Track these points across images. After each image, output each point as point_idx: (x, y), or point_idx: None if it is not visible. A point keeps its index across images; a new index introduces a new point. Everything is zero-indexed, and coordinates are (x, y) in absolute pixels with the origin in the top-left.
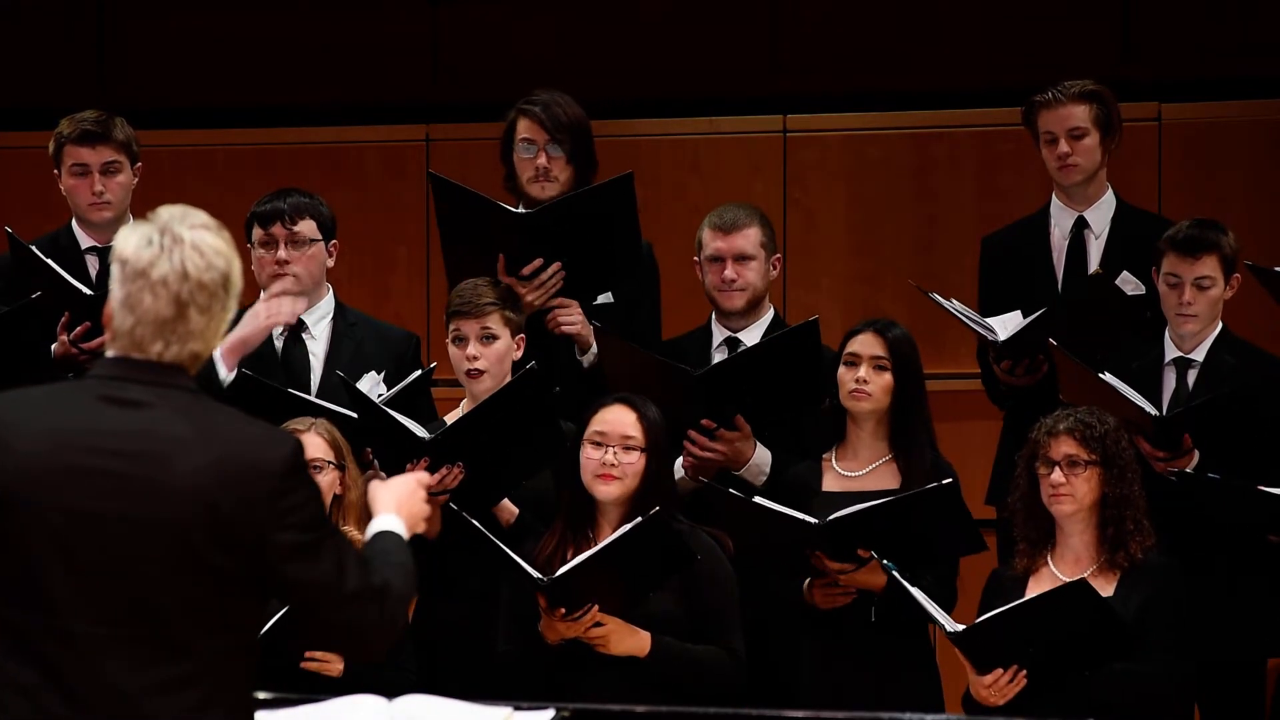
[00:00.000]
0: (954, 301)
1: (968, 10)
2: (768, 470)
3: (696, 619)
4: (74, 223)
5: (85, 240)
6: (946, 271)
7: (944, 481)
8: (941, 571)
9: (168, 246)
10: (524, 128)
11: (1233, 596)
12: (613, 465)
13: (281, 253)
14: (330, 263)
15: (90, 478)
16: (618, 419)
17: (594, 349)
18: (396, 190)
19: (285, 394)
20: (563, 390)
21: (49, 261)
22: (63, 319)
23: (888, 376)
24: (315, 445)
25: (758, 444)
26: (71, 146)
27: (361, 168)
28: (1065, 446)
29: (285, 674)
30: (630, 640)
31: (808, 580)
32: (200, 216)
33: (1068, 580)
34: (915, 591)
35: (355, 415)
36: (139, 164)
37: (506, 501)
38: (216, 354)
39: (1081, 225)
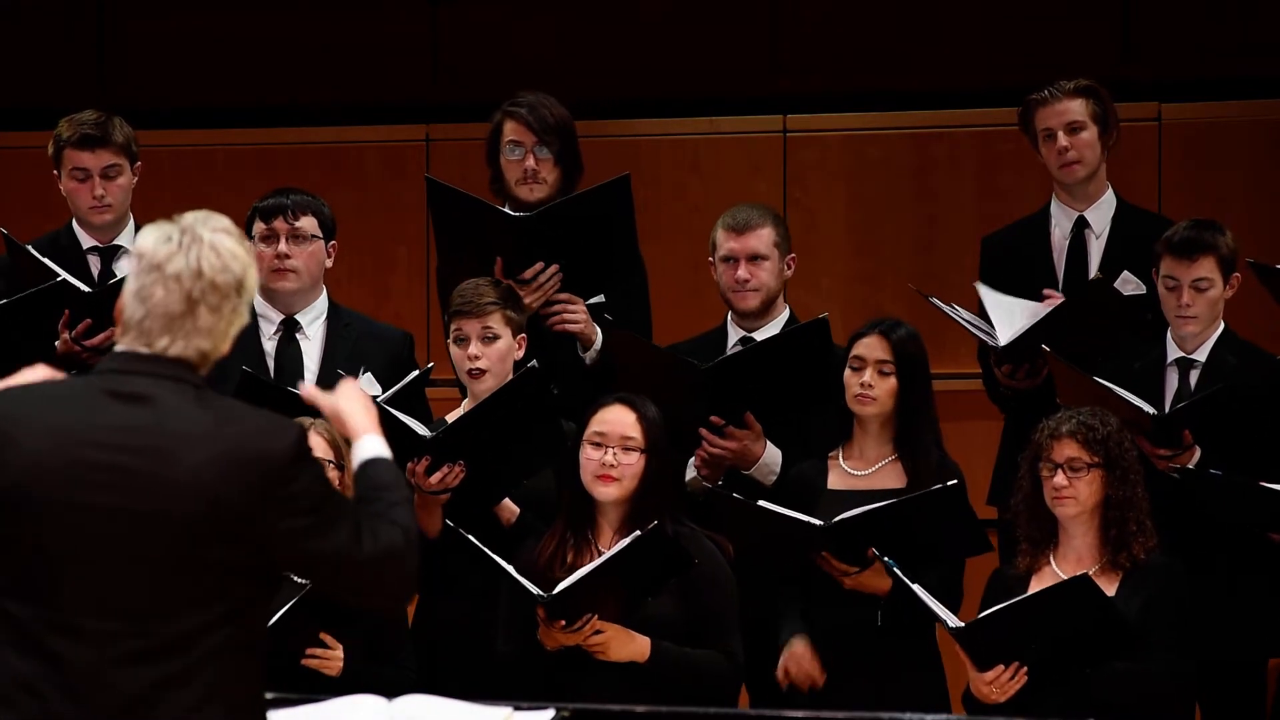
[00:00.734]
0: (955, 306)
1: (968, 10)
2: (778, 470)
3: (695, 622)
4: (74, 223)
5: (86, 240)
6: (946, 271)
7: (949, 483)
8: (946, 572)
9: (186, 244)
10: (511, 130)
11: (1234, 596)
12: (612, 466)
13: (283, 246)
14: (329, 263)
15: (95, 473)
16: (617, 419)
17: (596, 346)
18: (396, 190)
19: (286, 393)
20: (566, 388)
21: (46, 261)
22: (63, 317)
23: (892, 380)
24: (315, 445)
25: (768, 444)
26: (71, 150)
27: (361, 168)
28: (1068, 449)
29: (285, 674)
30: (630, 646)
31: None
32: (222, 221)
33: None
34: (916, 587)
35: None
36: (138, 164)
37: (508, 501)
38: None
39: (1082, 225)
